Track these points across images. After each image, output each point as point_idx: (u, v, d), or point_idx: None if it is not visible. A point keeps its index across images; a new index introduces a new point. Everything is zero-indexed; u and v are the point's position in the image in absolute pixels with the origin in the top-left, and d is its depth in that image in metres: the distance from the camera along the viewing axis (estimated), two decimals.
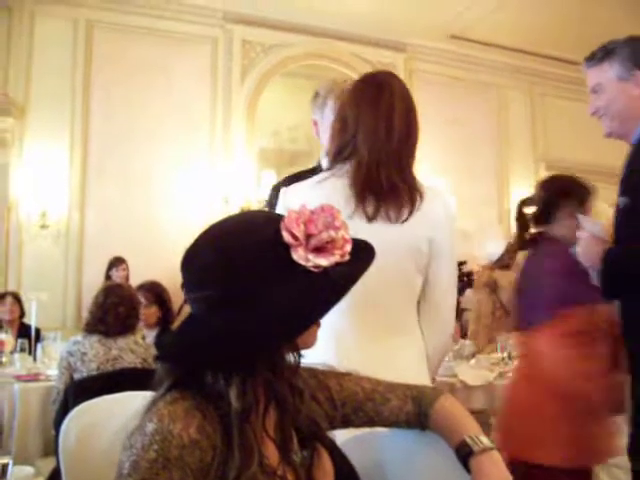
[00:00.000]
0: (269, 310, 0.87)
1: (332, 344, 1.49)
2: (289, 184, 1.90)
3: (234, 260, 0.90)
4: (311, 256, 0.89)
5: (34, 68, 6.05)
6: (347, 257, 0.92)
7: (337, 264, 0.91)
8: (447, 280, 1.62)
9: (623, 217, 1.75)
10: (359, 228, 1.44)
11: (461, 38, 7.49)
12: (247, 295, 0.89)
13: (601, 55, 1.86)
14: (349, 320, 1.53)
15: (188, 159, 6.51)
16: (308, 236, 0.90)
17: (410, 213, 1.50)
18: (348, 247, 0.93)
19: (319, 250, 0.90)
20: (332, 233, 0.90)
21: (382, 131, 1.51)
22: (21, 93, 6.01)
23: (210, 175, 6.60)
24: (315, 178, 1.57)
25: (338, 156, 1.56)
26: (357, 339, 1.53)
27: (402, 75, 7.46)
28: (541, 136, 8.13)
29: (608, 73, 1.82)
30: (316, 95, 2.05)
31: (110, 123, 6.27)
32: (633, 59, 1.79)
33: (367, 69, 7.34)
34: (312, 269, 0.89)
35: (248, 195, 6.57)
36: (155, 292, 3.77)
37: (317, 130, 2.05)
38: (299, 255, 0.89)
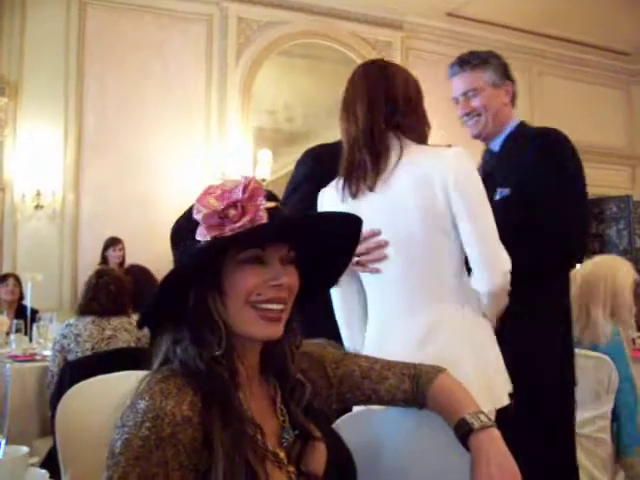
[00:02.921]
0: (173, 270, 0.97)
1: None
2: (324, 152, 2.05)
3: (172, 231, 1.05)
4: (202, 231, 0.97)
5: (27, 47, 5.97)
6: (241, 229, 0.95)
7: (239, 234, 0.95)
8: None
9: (506, 207, 1.86)
10: (350, 206, 1.59)
11: (457, 16, 7.42)
12: (175, 260, 1.03)
13: (476, 62, 2.01)
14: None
15: (184, 138, 6.45)
16: (213, 211, 0.97)
17: (375, 178, 1.61)
18: (245, 220, 0.97)
19: (218, 224, 0.97)
20: (226, 204, 0.99)
21: (350, 118, 1.67)
22: (14, 72, 5.94)
23: (206, 154, 6.55)
24: None
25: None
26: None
27: (399, 53, 7.39)
28: (538, 115, 8.07)
29: (483, 79, 2.00)
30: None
31: (105, 102, 6.20)
32: (503, 71, 2.02)
33: (364, 48, 7.28)
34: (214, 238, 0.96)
35: (244, 174, 6.50)
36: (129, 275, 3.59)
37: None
38: (199, 231, 0.97)
